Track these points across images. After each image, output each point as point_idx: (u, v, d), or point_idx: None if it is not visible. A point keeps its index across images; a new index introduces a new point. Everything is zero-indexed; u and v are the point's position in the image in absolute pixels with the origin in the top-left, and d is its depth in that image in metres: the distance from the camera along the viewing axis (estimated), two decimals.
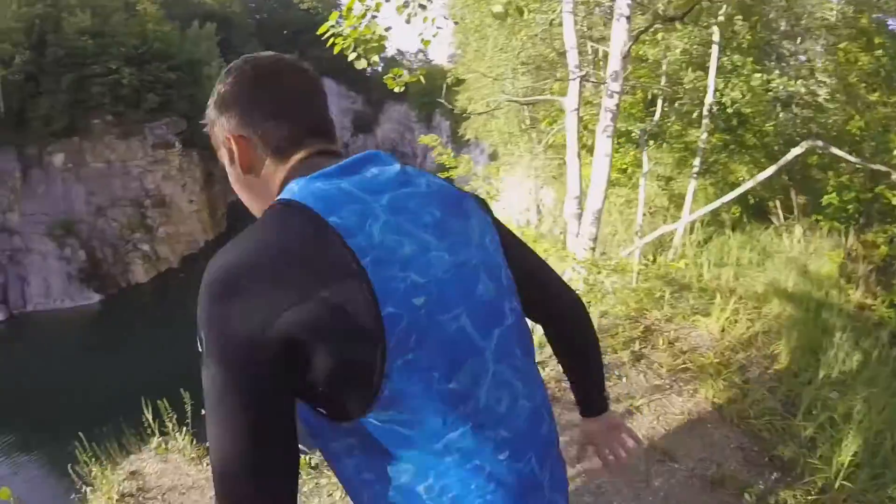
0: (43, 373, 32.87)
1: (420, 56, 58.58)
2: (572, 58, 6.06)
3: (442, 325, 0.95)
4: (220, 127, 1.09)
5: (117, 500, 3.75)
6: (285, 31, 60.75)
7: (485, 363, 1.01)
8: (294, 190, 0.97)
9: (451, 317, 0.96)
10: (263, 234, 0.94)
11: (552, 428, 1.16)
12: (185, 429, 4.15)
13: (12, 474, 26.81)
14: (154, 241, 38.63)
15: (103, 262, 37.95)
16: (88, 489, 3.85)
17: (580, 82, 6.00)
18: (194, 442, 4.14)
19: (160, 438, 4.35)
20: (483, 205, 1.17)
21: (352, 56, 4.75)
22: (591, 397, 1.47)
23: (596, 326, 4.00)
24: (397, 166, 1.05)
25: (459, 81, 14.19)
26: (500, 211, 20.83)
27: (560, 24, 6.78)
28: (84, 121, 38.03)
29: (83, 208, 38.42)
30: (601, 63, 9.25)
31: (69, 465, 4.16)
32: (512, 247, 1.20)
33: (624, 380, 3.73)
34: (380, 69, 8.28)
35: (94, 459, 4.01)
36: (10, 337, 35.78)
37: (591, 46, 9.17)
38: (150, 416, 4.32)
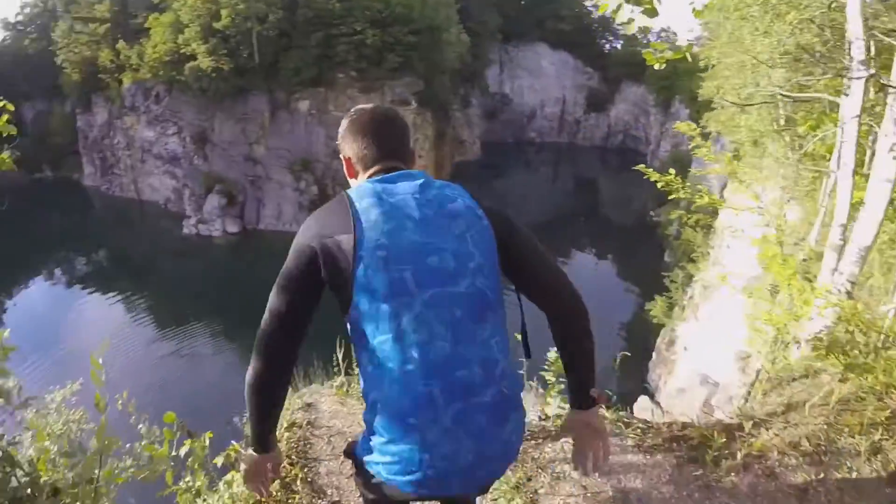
0: (260, 280, 38.21)
1: (663, 36, 54.66)
2: (858, 51, 4.90)
3: (390, 271, 1.59)
4: (340, 149, 1.92)
5: (286, 427, 3.83)
6: (523, 2, 60.90)
7: (412, 304, 1.59)
8: (353, 186, 1.81)
9: (398, 269, 1.60)
10: (327, 204, 1.75)
11: (477, 382, 1.64)
12: None
13: (212, 354, 31.52)
14: None
15: (331, 196, 42.57)
16: None
17: (865, 83, 4.85)
18: None
19: (344, 379, 4.41)
20: (490, 215, 1.72)
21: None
22: (576, 393, 1.87)
23: (836, 394, 3.20)
24: (419, 181, 1.72)
25: (703, 68, 12.78)
26: (723, 218, 18.54)
27: (840, 9, 5.53)
28: (329, 74, 42.60)
29: (321, 150, 43.36)
30: (879, 60, 7.47)
31: None
32: (517, 250, 1.74)
33: (854, 474, 2.89)
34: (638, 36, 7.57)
35: None
36: (240, 247, 42.32)
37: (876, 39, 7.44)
38: (339, 355, 4.40)
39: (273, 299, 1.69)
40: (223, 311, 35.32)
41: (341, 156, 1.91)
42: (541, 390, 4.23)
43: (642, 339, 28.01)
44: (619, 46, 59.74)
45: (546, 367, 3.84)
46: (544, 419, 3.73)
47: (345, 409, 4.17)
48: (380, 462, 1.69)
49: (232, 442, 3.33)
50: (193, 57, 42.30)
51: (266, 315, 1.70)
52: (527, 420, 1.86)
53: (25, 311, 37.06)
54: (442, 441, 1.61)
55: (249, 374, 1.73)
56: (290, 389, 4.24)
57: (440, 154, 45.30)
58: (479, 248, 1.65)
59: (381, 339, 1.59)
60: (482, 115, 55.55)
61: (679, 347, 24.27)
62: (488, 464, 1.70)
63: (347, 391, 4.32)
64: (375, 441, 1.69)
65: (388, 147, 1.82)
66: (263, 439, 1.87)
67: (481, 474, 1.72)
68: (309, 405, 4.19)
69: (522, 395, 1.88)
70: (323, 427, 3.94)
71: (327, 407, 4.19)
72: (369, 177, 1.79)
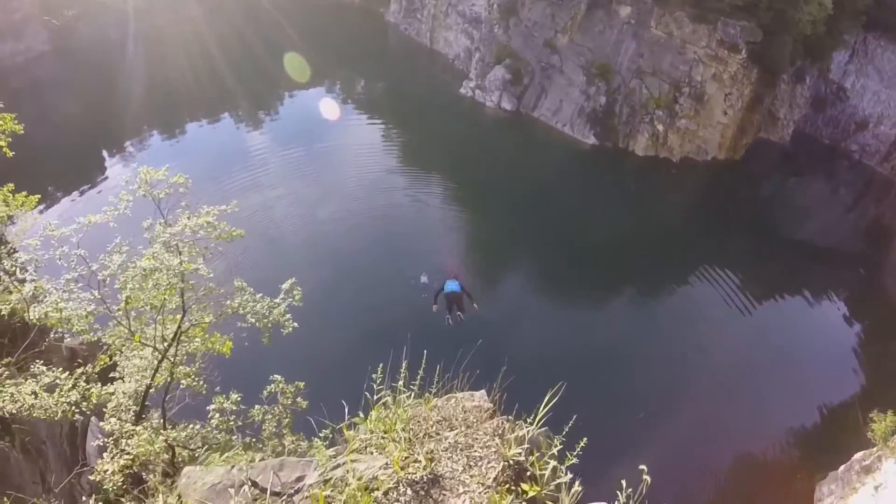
0: (518, 162, 37.96)
1: None
2: None
3: None
4: None
5: None
6: None
7: None
8: None
9: None
10: None
11: None
12: None
13: (440, 205, 33.57)
14: (670, 127, 38.24)
15: (616, 116, 39.50)
16: None
17: None
18: None
19: None
20: None
21: None
22: None
23: None
24: None
25: None
26: None
27: None
28: None
29: (626, 63, 39.75)
30: None
31: None
32: None
33: None
34: None
35: None
36: (508, 125, 41.82)
37: None
38: None
39: None
40: (463, 171, 36.13)
41: None
42: None
43: (841, 444, 22.66)
44: None
45: None
46: None
47: None
48: None
49: None
50: None
51: None
52: None
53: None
54: None
55: None
56: None
57: (747, 120, 39.32)
58: None
59: None
60: (809, 99, 47.13)
61: (871, 486, 18.70)
62: None
63: None
64: None
65: None
66: None
67: None
68: None
69: None
70: None
71: None
72: None
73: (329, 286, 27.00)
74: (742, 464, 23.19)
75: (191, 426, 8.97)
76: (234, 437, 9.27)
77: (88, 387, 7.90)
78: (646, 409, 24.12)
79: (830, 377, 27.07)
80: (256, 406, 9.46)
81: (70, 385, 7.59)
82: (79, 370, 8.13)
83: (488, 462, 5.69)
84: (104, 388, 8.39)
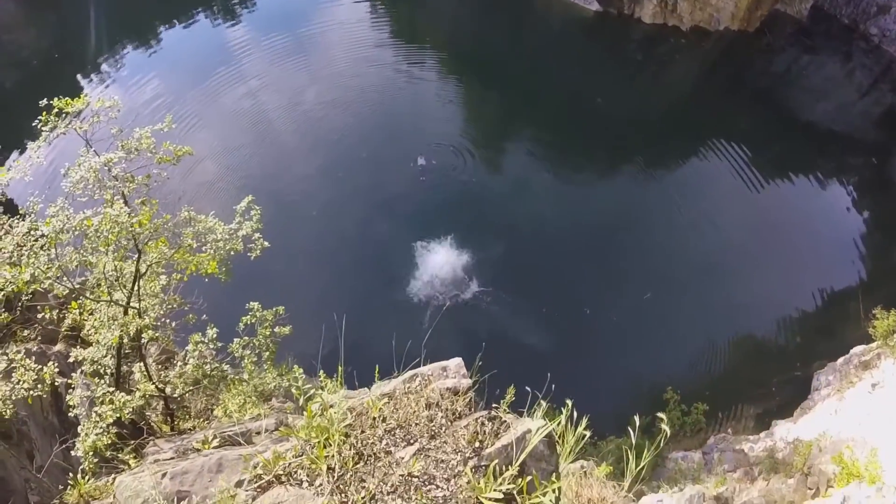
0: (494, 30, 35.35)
1: None
2: None
3: None
4: None
5: None
6: None
7: None
8: None
9: None
10: None
11: None
12: None
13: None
14: None
15: None
16: None
17: None
18: None
19: None
20: None
21: None
22: None
23: None
24: None
25: None
26: None
27: None
28: None
29: None
30: None
31: None
32: None
33: None
34: None
35: None
36: None
37: None
38: None
39: None
40: (459, 43, 34.85)
41: None
42: None
43: (840, 334, 22.64)
44: None
45: None
46: None
47: None
48: None
49: None
50: None
51: None
52: None
53: None
54: None
55: None
56: None
57: None
58: None
59: None
60: None
61: (867, 383, 18.61)
62: None
63: None
64: None
65: None
66: None
67: None
68: None
69: None
70: None
71: None
72: None
73: (320, 178, 26.33)
74: (743, 345, 23.34)
75: (178, 366, 8.60)
76: (226, 369, 8.63)
77: (38, 367, 7.36)
78: (652, 287, 24.16)
79: (832, 264, 26.58)
80: (235, 340, 8.60)
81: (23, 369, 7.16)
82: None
83: None
84: (78, 351, 7.93)
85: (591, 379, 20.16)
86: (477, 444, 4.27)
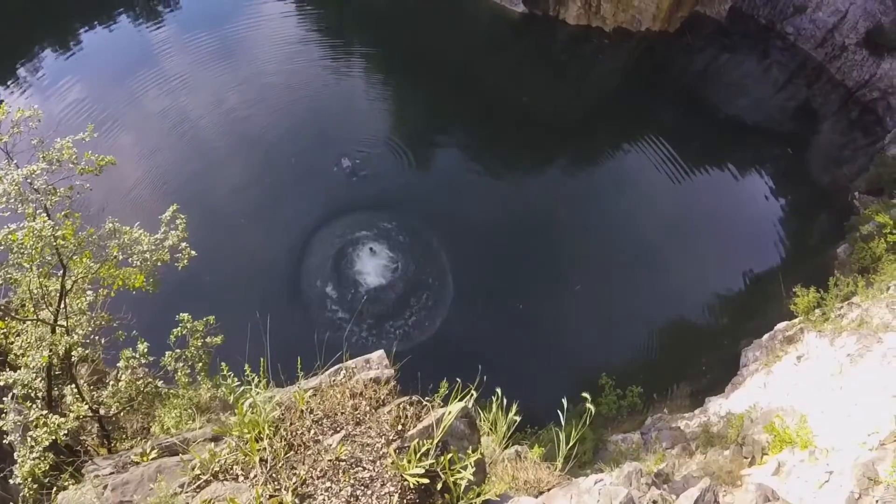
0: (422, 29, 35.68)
1: None
2: None
3: None
4: None
5: None
6: None
7: None
8: None
9: None
10: None
11: None
12: None
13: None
14: None
15: None
16: None
17: None
18: None
19: None
20: None
21: None
22: None
23: None
24: None
25: None
26: None
27: None
28: None
29: None
30: None
31: None
32: None
33: None
34: None
35: None
36: None
37: None
38: None
39: None
40: (385, 40, 34.49)
41: None
42: None
43: (764, 312, 23.98)
44: None
45: None
46: None
47: None
48: None
49: None
50: None
51: None
52: None
53: None
54: None
55: None
56: None
57: None
58: None
59: None
60: None
61: (793, 356, 19.85)
62: None
63: None
64: None
65: None
66: None
67: None
68: None
69: None
70: None
71: None
72: None
73: (247, 178, 26.14)
74: (674, 328, 24.65)
75: (110, 385, 8.27)
76: (160, 384, 8.55)
77: None
78: (584, 279, 25.14)
79: (755, 248, 28.27)
80: (167, 353, 8.43)
81: None
82: None
83: (381, 485, 4.34)
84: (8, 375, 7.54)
85: (527, 371, 20.78)
86: (400, 427, 4.58)
